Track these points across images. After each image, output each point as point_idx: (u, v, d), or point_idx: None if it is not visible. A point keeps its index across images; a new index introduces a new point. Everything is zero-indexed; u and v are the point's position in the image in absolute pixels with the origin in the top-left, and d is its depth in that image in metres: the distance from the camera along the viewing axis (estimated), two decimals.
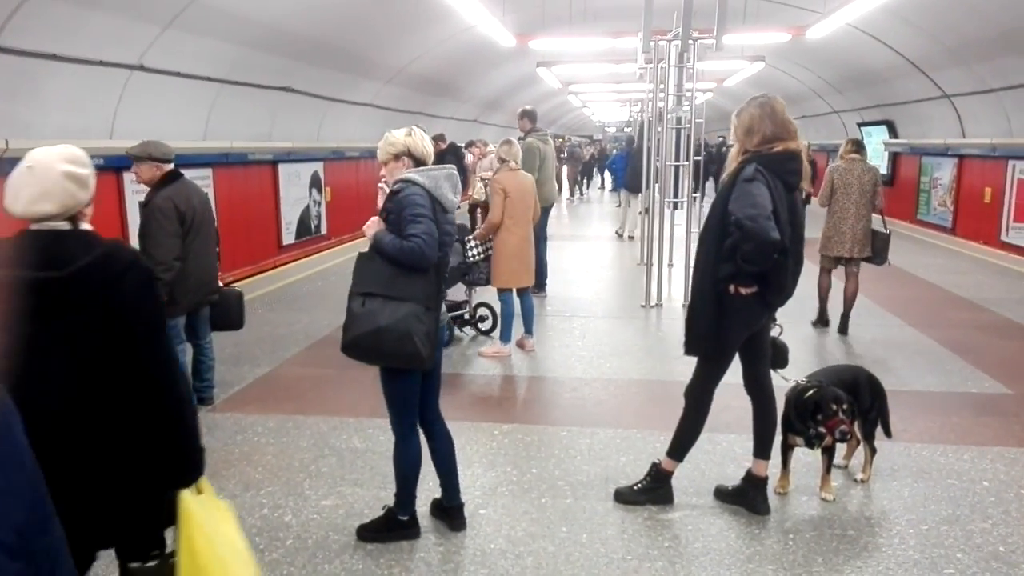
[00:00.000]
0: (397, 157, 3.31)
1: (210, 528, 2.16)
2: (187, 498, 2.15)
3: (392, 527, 3.49)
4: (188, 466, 2.20)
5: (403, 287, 3.12)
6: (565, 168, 23.18)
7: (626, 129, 24.31)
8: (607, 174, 23.86)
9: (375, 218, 3.24)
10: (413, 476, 3.45)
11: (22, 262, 2.02)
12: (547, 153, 8.58)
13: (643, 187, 13.19)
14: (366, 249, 3.29)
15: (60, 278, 2.01)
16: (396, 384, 3.30)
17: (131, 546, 2.23)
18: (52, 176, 2.08)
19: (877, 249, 6.69)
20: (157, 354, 2.12)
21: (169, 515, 2.15)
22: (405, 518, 3.49)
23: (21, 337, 1.93)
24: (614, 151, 23.24)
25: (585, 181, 26.03)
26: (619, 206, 19.15)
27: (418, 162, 3.33)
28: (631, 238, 13.55)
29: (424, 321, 3.15)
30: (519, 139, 8.57)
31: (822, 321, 7.16)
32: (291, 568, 3.28)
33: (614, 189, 20.72)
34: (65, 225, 2.10)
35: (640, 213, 11.71)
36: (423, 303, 3.16)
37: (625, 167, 14.62)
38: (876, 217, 6.81)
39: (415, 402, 3.38)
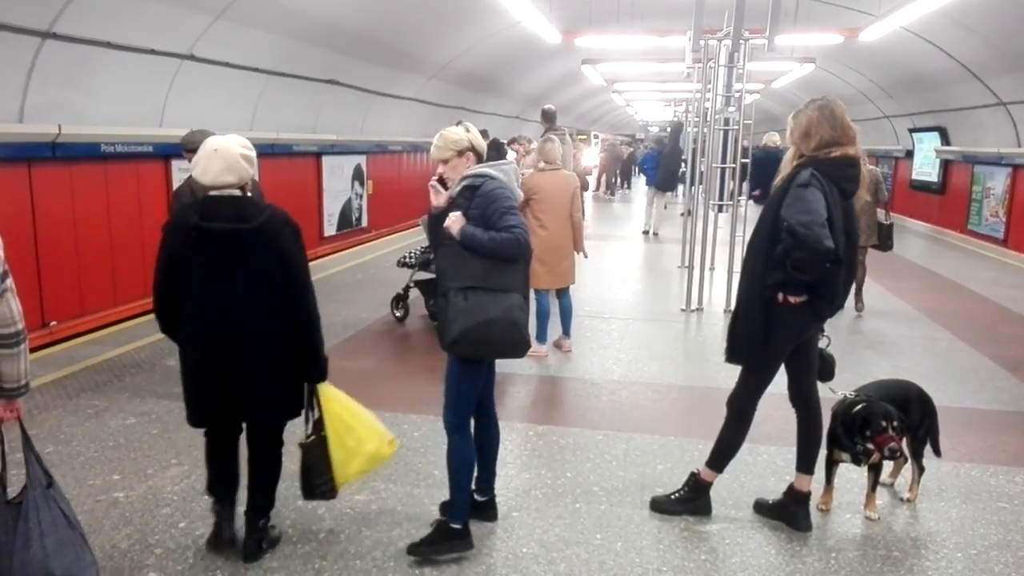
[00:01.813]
0: (461, 153, 3.29)
1: (348, 402, 3.24)
2: (325, 386, 3.19)
3: (447, 537, 3.34)
4: (320, 367, 3.17)
5: (501, 278, 3.14)
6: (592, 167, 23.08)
7: (667, 129, 23.97)
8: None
9: (457, 214, 3.18)
10: (468, 476, 3.39)
11: (225, 217, 2.95)
12: (564, 150, 8.52)
13: (675, 186, 13.42)
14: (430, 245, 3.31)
15: (250, 228, 2.96)
16: (466, 377, 3.27)
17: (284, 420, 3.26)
18: (233, 156, 2.97)
19: (882, 237, 7.77)
20: (304, 285, 3.09)
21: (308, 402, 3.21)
22: (459, 526, 3.35)
23: (233, 269, 2.97)
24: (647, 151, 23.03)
25: (625, 181, 25.83)
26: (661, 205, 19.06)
27: (479, 157, 3.34)
28: (655, 234, 13.99)
29: (525, 310, 3.20)
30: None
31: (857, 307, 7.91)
32: (323, 562, 3.27)
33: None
34: (238, 192, 3.01)
35: (682, 215, 11.61)
36: (522, 292, 3.20)
37: (656, 167, 15.02)
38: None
39: (476, 398, 3.36)
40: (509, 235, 3.11)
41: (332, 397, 3.22)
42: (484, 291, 3.10)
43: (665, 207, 19.11)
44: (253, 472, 3.30)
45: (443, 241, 3.26)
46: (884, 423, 3.49)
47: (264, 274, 3.00)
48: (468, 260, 3.13)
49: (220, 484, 3.30)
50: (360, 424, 3.24)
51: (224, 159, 2.96)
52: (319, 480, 3.22)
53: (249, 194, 3.06)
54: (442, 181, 3.36)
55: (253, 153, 3.07)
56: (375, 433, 3.26)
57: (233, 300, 2.98)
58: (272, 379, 3.10)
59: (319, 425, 3.20)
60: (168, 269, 3.00)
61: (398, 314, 7.33)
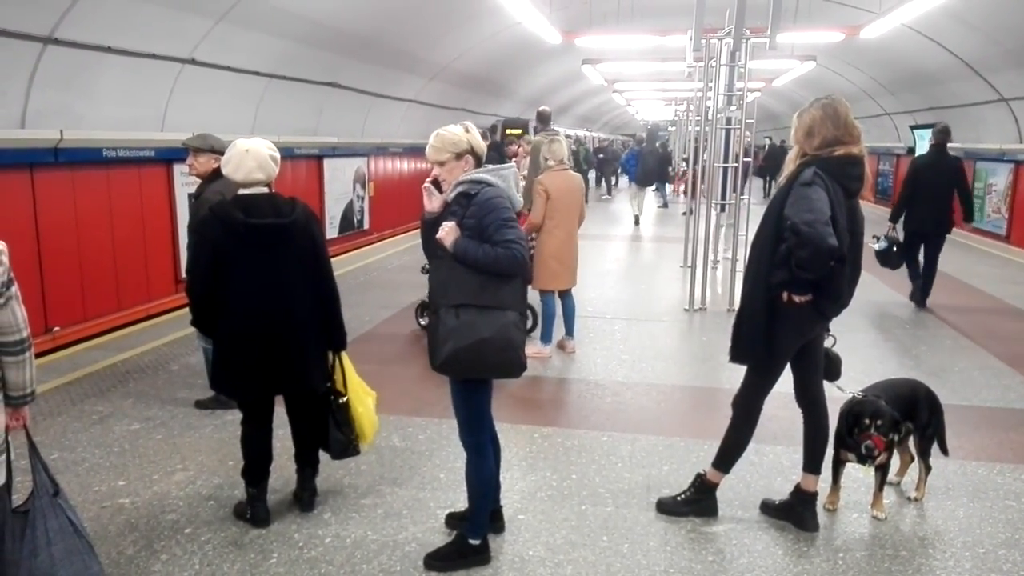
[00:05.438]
0: (460, 156, 3.05)
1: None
2: (343, 355, 3.67)
3: (465, 553, 3.27)
4: (341, 337, 3.65)
5: (495, 295, 2.94)
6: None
7: (670, 129, 24.02)
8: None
9: (451, 224, 2.95)
10: (489, 493, 3.30)
11: (266, 213, 3.32)
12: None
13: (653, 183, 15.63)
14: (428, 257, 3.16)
15: (289, 222, 3.36)
16: (474, 398, 3.14)
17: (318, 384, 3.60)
18: (262, 156, 3.34)
19: None
20: (330, 265, 3.61)
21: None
22: (477, 542, 3.28)
23: (276, 257, 3.33)
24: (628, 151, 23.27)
25: (615, 180, 25.87)
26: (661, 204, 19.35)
27: (478, 160, 3.11)
28: (637, 218, 15.79)
29: (521, 329, 3.02)
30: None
31: None
32: (329, 567, 3.26)
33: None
34: (266, 189, 3.39)
35: (684, 214, 11.61)
36: (518, 310, 3.02)
37: (636, 165, 16.50)
38: None
39: (488, 412, 3.23)
40: (506, 252, 2.89)
41: (349, 363, 3.68)
42: (476, 309, 2.91)
43: (667, 205, 19.23)
44: (300, 436, 3.72)
45: (436, 252, 3.05)
46: (868, 422, 3.48)
47: (302, 259, 3.40)
48: (461, 275, 2.94)
49: (258, 466, 3.60)
50: (358, 383, 3.74)
51: (255, 158, 3.31)
52: (352, 436, 3.65)
53: (275, 191, 3.42)
54: (436, 183, 3.14)
55: (278, 154, 3.44)
56: (366, 390, 3.77)
57: (280, 284, 3.35)
58: (315, 349, 3.52)
59: (343, 388, 3.64)
60: (211, 263, 3.27)
61: (423, 322, 6.81)
